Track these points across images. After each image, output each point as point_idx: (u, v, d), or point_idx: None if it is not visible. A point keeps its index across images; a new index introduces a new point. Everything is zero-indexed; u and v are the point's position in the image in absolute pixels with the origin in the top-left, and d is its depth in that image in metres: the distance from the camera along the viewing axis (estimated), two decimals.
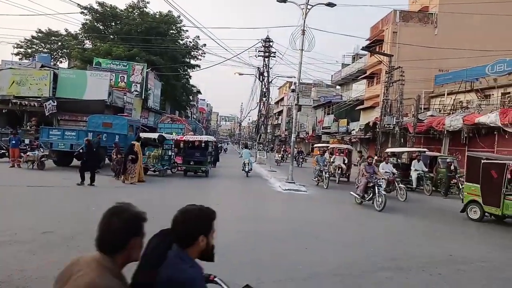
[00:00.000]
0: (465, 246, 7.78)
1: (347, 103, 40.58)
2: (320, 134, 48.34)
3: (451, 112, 25.53)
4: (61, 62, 43.53)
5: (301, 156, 30.48)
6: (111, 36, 38.28)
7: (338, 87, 53.50)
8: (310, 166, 21.31)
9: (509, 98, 22.87)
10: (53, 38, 44.02)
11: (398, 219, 10.56)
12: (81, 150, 16.18)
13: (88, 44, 39.55)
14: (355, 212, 11.41)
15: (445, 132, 23.55)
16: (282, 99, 76.32)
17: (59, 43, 43.70)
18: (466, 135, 21.87)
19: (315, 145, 27.11)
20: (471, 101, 26.02)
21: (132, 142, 14.89)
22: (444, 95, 28.79)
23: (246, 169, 19.04)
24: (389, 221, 10.22)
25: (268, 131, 75.54)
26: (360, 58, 43.30)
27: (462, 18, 30.91)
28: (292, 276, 5.30)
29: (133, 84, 31.02)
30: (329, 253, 6.62)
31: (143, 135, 17.90)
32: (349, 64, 47.21)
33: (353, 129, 38.09)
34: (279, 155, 32.07)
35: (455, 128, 22.44)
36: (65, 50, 42.32)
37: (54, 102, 23.62)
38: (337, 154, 20.71)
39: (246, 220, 9.30)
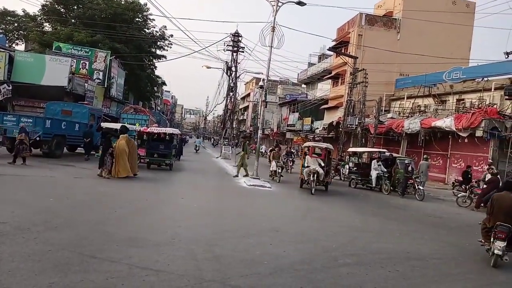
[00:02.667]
0: (419, 243, 8.16)
1: (312, 102, 41.30)
2: (285, 131, 48.92)
3: (409, 115, 26.66)
4: (17, 44, 41.07)
5: (291, 159, 24.06)
6: (73, 20, 36.60)
7: (304, 85, 54.29)
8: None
9: (463, 104, 24.18)
10: (9, 18, 41.42)
11: (358, 216, 10.92)
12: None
13: (47, 27, 37.59)
14: (317, 208, 11.68)
15: (404, 134, 24.57)
16: (248, 94, 76.41)
17: (16, 24, 41.19)
18: (423, 138, 22.93)
19: (306, 144, 21.47)
20: (429, 105, 27.30)
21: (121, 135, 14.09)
22: (404, 98, 30.01)
23: (196, 149, 27.62)
24: (350, 217, 10.55)
25: (234, 126, 75.47)
26: (326, 58, 44.14)
27: (424, 25, 32.29)
28: (257, 271, 5.35)
29: (95, 72, 29.91)
30: (292, 248, 6.73)
31: (104, 125, 17.34)
32: (315, 64, 48.00)
33: (317, 128, 38.84)
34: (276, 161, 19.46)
35: (413, 131, 23.46)
36: (22, 32, 39.94)
37: (9, 86, 22.33)
38: (312, 155, 16.01)
39: (211, 214, 9.28)
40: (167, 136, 17.78)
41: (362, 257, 6.62)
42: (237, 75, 29.61)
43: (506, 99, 19.77)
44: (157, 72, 47.51)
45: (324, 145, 16.31)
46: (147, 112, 29.94)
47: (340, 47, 36.79)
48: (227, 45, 31.26)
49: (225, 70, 30.44)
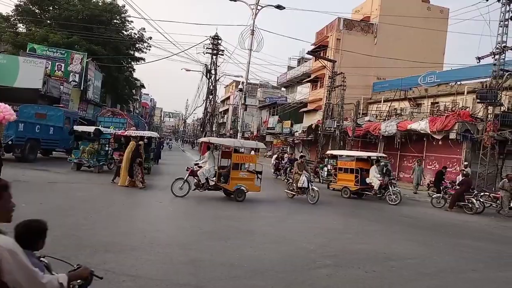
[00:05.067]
0: (397, 244, 8.31)
1: (292, 105, 41.59)
2: (265, 134, 49.06)
3: (386, 118, 27.18)
4: None
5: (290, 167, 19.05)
6: (48, 22, 35.69)
7: (283, 89, 54.62)
8: None
9: (437, 108, 24.84)
10: None
11: (336, 217, 11.05)
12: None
13: (21, 28, 36.51)
14: (296, 210, 11.75)
15: (381, 137, 25.03)
16: (228, 98, 76.31)
17: None
18: (399, 140, 23.41)
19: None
20: (405, 108, 27.90)
21: (138, 142, 13.61)
22: (381, 101, 30.57)
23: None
24: (329, 219, 10.67)
25: (214, 129, 75.12)
26: (306, 62, 44.53)
27: (400, 30, 33.06)
28: (236, 274, 5.33)
29: (71, 74, 29.24)
30: (271, 251, 6.75)
31: (77, 128, 16.99)
32: (295, 67, 48.41)
33: (296, 131, 39.12)
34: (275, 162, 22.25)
35: (390, 133, 23.93)
36: None
37: None
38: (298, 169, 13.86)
39: (188, 218, 9.20)
40: (145, 140, 17.51)
41: (340, 258, 6.70)
42: (217, 78, 29.54)
43: (478, 102, 20.36)
44: (135, 75, 46.88)
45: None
46: (125, 115, 29.44)
47: (319, 51, 37.22)
48: (207, 48, 31.17)
49: (205, 73, 30.33)
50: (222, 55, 30.58)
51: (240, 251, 6.51)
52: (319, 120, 31.64)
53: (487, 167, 18.70)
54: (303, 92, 41.96)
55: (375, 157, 16.30)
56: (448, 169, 20.37)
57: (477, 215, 13.52)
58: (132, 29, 40.32)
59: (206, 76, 30.09)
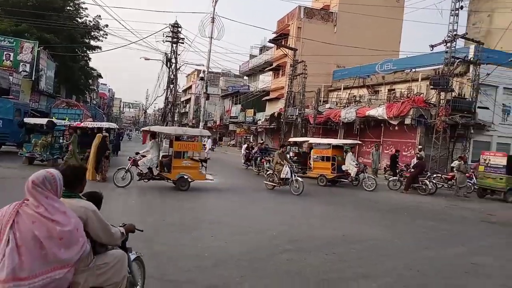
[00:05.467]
0: (357, 227, 8.61)
1: (254, 94, 41.64)
2: (228, 123, 48.91)
3: (346, 105, 27.86)
4: None
5: (261, 157, 19.04)
6: None
7: (246, 77, 54.50)
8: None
9: (394, 94, 25.74)
10: None
11: (303, 203, 11.24)
12: None
13: None
14: (261, 198, 11.86)
15: (341, 124, 25.66)
16: (190, 87, 75.08)
17: None
18: (358, 126, 24.11)
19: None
20: (363, 95, 28.70)
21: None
22: (341, 89, 31.26)
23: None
24: (294, 205, 10.84)
25: (175, 119, 73.79)
26: (267, 50, 44.59)
27: (358, 19, 33.76)
28: (198, 264, 5.31)
29: (21, 64, 27.54)
30: (235, 239, 6.78)
31: (28, 120, 16.13)
32: (257, 56, 48.35)
33: (259, 119, 39.29)
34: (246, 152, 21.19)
35: (349, 120, 24.58)
36: None
37: None
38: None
39: (149, 209, 9.04)
40: (104, 131, 16.90)
41: (303, 243, 6.84)
42: (178, 67, 28.91)
43: (431, 88, 21.33)
44: (92, 64, 45.00)
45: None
46: (81, 106, 28.25)
47: (280, 39, 37.35)
48: (167, 36, 30.35)
49: (165, 62, 29.58)
50: (183, 43, 29.89)
51: (205, 241, 6.49)
52: (281, 108, 31.93)
53: (439, 150, 19.71)
54: (265, 80, 42.08)
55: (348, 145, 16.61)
56: (404, 153, 21.31)
57: (430, 196, 14.26)
58: (87, 16, 38.50)
59: (166, 65, 29.34)
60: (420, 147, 19.29)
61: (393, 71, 27.45)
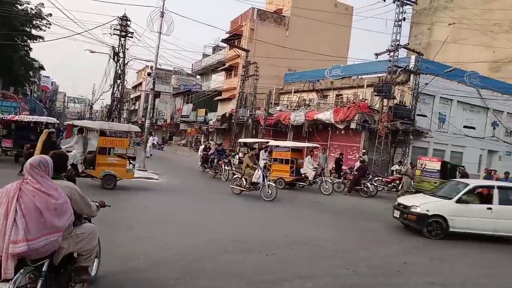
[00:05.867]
0: (300, 228, 8.71)
1: (206, 93, 41.22)
2: (179, 122, 48.02)
3: (296, 108, 28.37)
4: None
5: (226, 160, 17.72)
6: None
7: (198, 76, 53.80)
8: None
9: (341, 99, 26.60)
10: None
11: (252, 205, 11.19)
12: None
13: None
14: (208, 198, 11.68)
15: (290, 126, 26.07)
16: (140, 83, 72.77)
17: None
18: (307, 129, 24.63)
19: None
20: (313, 99, 29.38)
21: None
22: (291, 92, 31.80)
23: None
24: (241, 206, 10.76)
25: (124, 116, 71.17)
26: (221, 50, 44.32)
27: (309, 24, 34.57)
28: (130, 266, 5.07)
29: None
30: (174, 240, 6.57)
31: None
32: (210, 55, 47.91)
33: (211, 119, 38.96)
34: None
35: (298, 123, 25.05)
36: None
37: None
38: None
39: None
40: (43, 126, 15.83)
41: (245, 244, 6.78)
42: (126, 61, 27.82)
43: (375, 95, 22.28)
44: (34, 55, 42.08)
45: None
46: (18, 99, 26.35)
47: (233, 39, 37.27)
48: (114, 29, 29.12)
49: (112, 56, 28.36)
50: (131, 37, 28.83)
51: (142, 242, 6.22)
52: (233, 109, 31.87)
53: (381, 155, 20.62)
54: (218, 80, 41.79)
55: (265, 143, 16.49)
56: (349, 156, 22.06)
57: (371, 198, 14.83)
58: (28, 3, 35.97)
59: (114, 59, 28.16)
60: (364, 151, 20.06)
61: (341, 77, 28.35)
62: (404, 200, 9.95)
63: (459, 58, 27.94)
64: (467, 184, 9.26)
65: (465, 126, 25.28)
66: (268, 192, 11.81)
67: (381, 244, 7.96)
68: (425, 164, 15.57)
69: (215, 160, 17.76)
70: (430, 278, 5.99)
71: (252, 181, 11.89)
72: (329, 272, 5.77)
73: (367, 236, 8.59)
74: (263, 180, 11.83)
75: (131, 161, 11.68)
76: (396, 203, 9.89)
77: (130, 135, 14.27)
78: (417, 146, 23.12)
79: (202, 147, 20.66)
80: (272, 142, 18.04)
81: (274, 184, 12.29)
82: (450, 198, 9.00)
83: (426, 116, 23.30)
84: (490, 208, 8.76)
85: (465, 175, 15.46)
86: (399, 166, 17.17)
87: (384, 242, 8.20)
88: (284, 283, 5.09)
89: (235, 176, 13.02)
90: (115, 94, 27.62)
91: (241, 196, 12.19)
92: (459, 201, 8.82)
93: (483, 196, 9.38)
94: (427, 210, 8.78)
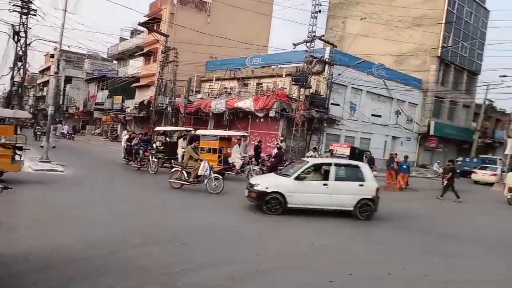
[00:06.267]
0: (211, 216, 8.64)
1: (123, 79, 39.06)
2: (93, 110, 44.96)
3: (217, 96, 28.17)
4: None
5: (144, 149, 16.42)
6: None
7: (115, 61, 50.71)
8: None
9: (261, 88, 26.99)
10: None
11: (158, 195, 10.82)
12: None
13: None
14: (111, 189, 11.08)
15: (211, 114, 25.85)
16: (48, 68, 66.46)
17: None
18: (227, 117, 24.61)
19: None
20: (234, 88, 29.41)
21: None
22: (213, 80, 31.49)
23: None
24: (149, 196, 10.36)
25: (30, 103, 64.64)
26: (139, 34, 42.16)
27: (231, 12, 34.39)
28: (18, 268, 4.57)
29: None
30: (75, 236, 6.08)
31: None
32: (128, 39, 45.37)
33: (128, 107, 37.14)
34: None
35: (219, 111, 24.92)
36: None
37: None
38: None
39: None
40: None
41: (154, 236, 6.55)
42: (28, 42, 25.13)
43: (292, 84, 22.97)
44: None
45: None
46: None
47: (152, 23, 35.65)
48: (14, 5, 26.08)
49: (12, 35, 25.42)
50: (35, 15, 26.07)
51: (36, 241, 5.66)
52: (151, 96, 30.68)
53: (298, 142, 21.41)
54: (136, 66, 39.80)
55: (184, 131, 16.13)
56: (268, 144, 22.58)
57: None
58: None
59: (14, 39, 25.26)
60: (281, 138, 20.63)
61: (261, 65, 28.73)
62: (253, 179, 10.24)
63: (369, 51, 29.92)
64: (307, 162, 9.81)
65: (373, 115, 27.33)
66: (215, 185, 11.35)
67: (290, 228, 8.23)
68: (336, 150, 16.50)
69: (141, 151, 16.13)
70: (337, 258, 6.35)
71: (198, 173, 11.25)
72: (239, 259, 5.80)
73: (277, 220, 8.80)
74: (210, 172, 11.33)
75: (17, 152, 10.33)
76: (248, 183, 10.07)
77: (37, 123, 12.91)
78: (331, 133, 24.45)
79: (126, 137, 18.38)
80: (201, 131, 17.04)
81: (221, 177, 11.84)
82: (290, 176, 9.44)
83: (339, 105, 24.68)
84: (326, 184, 9.39)
85: (371, 159, 16.71)
86: (313, 152, 17.95)
87: (293, 226, 8.46)
88: (190, 274, 4.99)
89: (173, 170, 12.14)
90: (16, 78, 24.85)
91: (163, 189, 11.60)
92: (297, 178, 9.27)
93: (323, 173, 9.89)
94: (267, 188, 9.17)
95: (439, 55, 31.37)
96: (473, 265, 6.78)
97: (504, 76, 27.60)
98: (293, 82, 22.41)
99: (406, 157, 17.69)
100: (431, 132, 31.16)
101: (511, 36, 47.66)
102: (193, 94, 30.05)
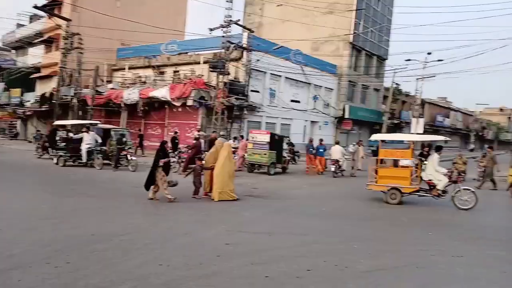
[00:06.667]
0: (110, 221, 7.52)
1: (21, 70, 34.76)
2: None
3: (131, 86, 26.17)
4: None
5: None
6: None
7: (13, 50, 45.09)
8: None
9: (178, 76, 25.60)
10: None
11: (50, 198, 9.35)
12: None
13: None
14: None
15: (123, 105, 23.91)
16: None
17: None
18: (142, 108, 22.93)
19: None
20: (149, 76, 27.57)
21: None
22: (125, 69, 29.23)
23: None
24: (38, 201, 8.85)
25: None
26: (39, 19, 37.77)
27: None
28: None
29: None
30: None
31: None
32: (26, 25, 40.47)
33: (28, 101, 33.26)
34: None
35: (132, 101, 23.16)
36: None
37: None
38: None
39: None
40: None
41: (25, 255, 5.28)
42: None
43: (210, 71, 22.03)
44: None
45: None
46: None
47: (52, 6, 31.97)
48: None
49: None
50: None
51: None
52: (54, 88, 27.53)
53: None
54: (36, 54, 35.59)
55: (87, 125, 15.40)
56: (187, 134, 21.50)
57: None
58: None
59: None
60: (199, 127, 19.69)
61: (177, 52, 27.29)
62: None
63: (287, 37, 29.99)
64: None
65: (292, 100, 27.54)
66: None
67: (205, 227, 7.45)
68: (256, 137, 16.02)
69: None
70: (251, 259, 5.69)
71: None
72: (137, 272, 4.83)
73: (192, 218, 8.01)
74: None
75: None
76: None
77: None
78: (252, 121, 24.08)
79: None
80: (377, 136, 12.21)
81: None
82: None
83: (258, 91, 24.36)
84: None
85: (290, 145, 16.53)
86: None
87: (209, 224, 7.72)
88: None
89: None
90: None
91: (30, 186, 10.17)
92: None
93: None
94: None
95: (351, 41, 32.59)
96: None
97: (409, 60, 29.52)
98: (211, 69, 21.50)
99: (321, 140, 17.81)
100: (346, 116, 32.49)
101: (414, 22, 51.59)
102: (104, 84, 27.62)
